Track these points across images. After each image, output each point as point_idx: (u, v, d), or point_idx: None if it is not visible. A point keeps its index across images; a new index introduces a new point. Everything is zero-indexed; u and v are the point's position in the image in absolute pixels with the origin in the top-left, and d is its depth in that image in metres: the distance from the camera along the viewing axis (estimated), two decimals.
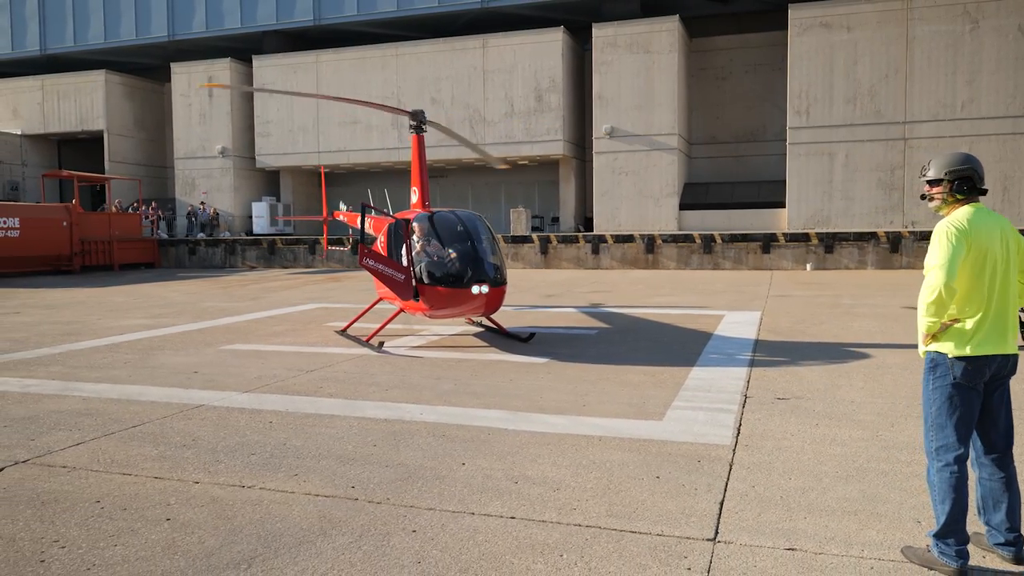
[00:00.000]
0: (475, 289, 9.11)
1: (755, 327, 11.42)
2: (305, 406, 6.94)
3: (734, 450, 5.50)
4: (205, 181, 34.70)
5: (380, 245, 10.86)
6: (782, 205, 26.66)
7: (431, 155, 31.39)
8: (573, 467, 5.18)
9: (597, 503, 4.52)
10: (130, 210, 32.54)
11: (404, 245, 9.67)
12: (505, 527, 4.20)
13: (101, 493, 4.75)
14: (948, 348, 3.70)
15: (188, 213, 33.95)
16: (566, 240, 25.82)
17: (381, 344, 9.93)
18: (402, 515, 4.38)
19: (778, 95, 28.78)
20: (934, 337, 3.74)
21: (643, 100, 27.96)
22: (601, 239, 25.42)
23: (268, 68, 33.17)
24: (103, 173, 35.10)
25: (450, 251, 9.40)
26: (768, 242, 23.53)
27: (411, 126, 11.30)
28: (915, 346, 9.40)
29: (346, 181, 36.33)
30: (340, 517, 4.35)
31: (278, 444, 5.77)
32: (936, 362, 3.75)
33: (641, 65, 27.99)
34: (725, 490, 4.71)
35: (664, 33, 27.74)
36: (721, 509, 4.41)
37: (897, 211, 25.11)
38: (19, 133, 37.10)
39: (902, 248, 22.41)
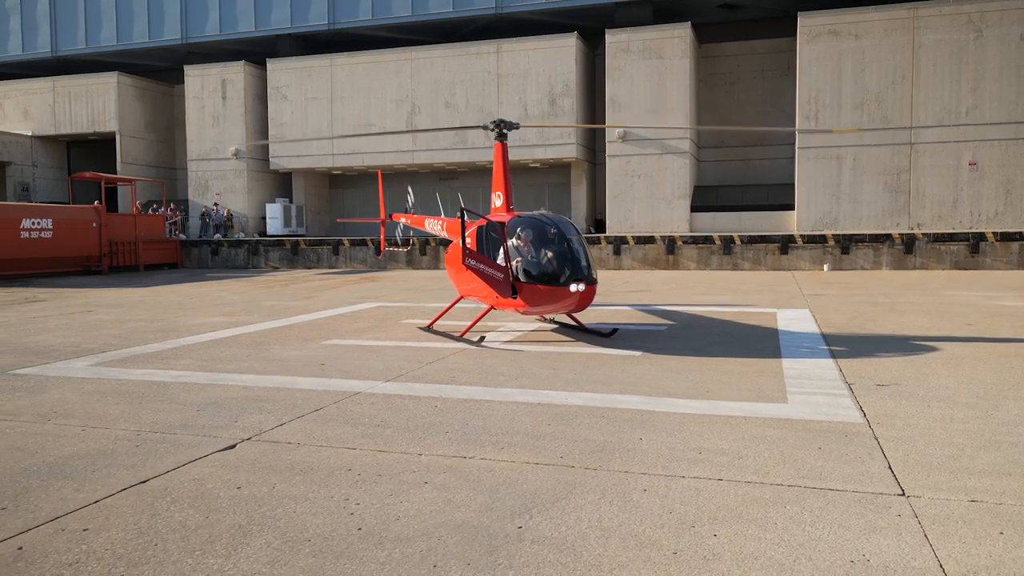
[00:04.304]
0: (572, 287, 9.79)
1: (813, 323, 12.23)
2: (454, 393, 7.59)
3: (871, 427, 6.25)
4: (218, 183, 35.13)
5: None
6: (791, 207, 27.62)
7: (443, 157, 32.14)
8: (740, 441, 5.90)
9: (784, 468, 5.25)
10: (150, 211, 32.87)
11: (501, 246, 10.34)
12: (720, 487, 4.90)
13: (346, 463, 5.39)
14: None
15: (202, 214, 34.38)
16: (587, 241, 26.57)
17: (481, 339, 10.62)
18: (623, 479, 5.07)
19: (785, 100, 29.77)
20: None
21: (655, 104, 28.84)
22: (622, 240, 26.22)
23: (282, 71, 33.66)
24: (112, 174, 35.38)
25: (548, 251, 10.09)
26: (786, 243, 24.46)
27: (494, 134, 11.98)
28: (976, 339, 10.27)
29: (355, 183, 36.91)
30: (573, 480, 5.03)
31: (460, 424, 6.43)
32: None
33: (653, 70, 28.87)
34: (886, 458, 5.45)
35: (676, 39, 28.65)
36: (893, 472, 5.15)
37: (903, 213, 26.14)
38: (29, 134, 37.29)
39: (916, 249, 23.41)
